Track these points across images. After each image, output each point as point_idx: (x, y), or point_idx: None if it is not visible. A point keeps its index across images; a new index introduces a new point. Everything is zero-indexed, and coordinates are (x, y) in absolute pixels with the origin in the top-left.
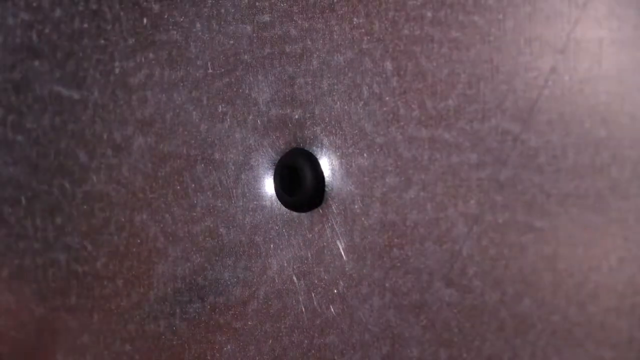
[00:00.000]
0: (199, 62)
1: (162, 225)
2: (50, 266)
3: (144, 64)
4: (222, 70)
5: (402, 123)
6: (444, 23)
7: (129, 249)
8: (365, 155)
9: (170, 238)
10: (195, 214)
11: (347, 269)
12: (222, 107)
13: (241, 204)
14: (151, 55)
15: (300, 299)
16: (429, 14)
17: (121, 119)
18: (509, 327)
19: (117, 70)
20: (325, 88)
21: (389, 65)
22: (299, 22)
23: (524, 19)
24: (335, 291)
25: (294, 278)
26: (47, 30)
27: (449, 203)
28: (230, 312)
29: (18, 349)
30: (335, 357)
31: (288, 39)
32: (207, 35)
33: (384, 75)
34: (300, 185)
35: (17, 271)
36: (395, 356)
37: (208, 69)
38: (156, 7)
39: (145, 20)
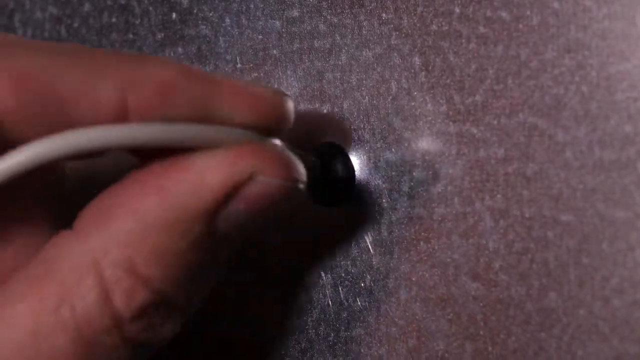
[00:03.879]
0: (228, 57)
1: None
2: None
3: (173, 59)
4: (251, 64)
5: (430, 118)
6: (471, 19)
7: None
8: (393, 149)
9: None
10: None
11: (374, 262)
12: None
13: None
14: (180, 50)
15: (327, 292)
16: (457, 10)
17: None
18: (535, 321)
19: None
20: (354, 83)
21: (417, 60)
22: (328, 17)
23: (551, 15)
24: (362, 284)
25: (321, 272)
26: (75, 25)
27: (475, 197)
28: (256, 305)
29: None
30: (362, 350)
31: (317, 34)
32: (236, 30)
33: (412, 71)
34: (331, 179)
35: None
36: (421, 349)
37: (237, 64)
38: (185, 2)
39: (174, 15)
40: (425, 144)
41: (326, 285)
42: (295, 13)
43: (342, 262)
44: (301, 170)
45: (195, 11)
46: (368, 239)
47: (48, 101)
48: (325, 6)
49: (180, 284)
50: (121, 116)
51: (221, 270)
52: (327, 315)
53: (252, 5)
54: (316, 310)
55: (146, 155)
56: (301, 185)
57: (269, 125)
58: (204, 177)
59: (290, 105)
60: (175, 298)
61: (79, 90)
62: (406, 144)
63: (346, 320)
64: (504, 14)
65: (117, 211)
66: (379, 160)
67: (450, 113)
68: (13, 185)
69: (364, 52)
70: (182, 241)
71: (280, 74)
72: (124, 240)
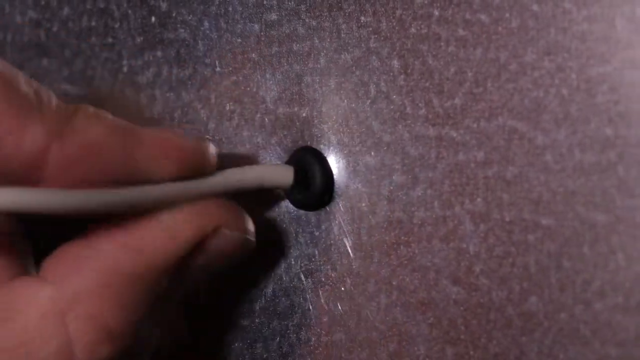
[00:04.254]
0: (207, 61)
1: None
2: None
3: (152, 62)
4: (230, 68)
5: (409, 121)
6: (450, 21)
7: None
8: (372, 153)
9: None
10: None
11: (354, 266)
12: (230, 105)
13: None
14: (159, 54)
15: (308, 296)
16: (436, 13)
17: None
18: (516, 325)
19: (125, 69)
20: (333, 86)
21: (396, 63)
22: (307, 20)
23: (531, 18)
24: (343, 289)
25: (302, 276)
26: (55, 29)
27: (455, 201)
28: (237, 309)
29: None
30: (342, 355)
31: (295, 38)
32: (215, 34)
33: (391, 74)
34: (309, 183)
35: None
36: (402, 353)
37: (216, 67)
38: (164, 5)
39: (153, 19)
40: (405, 147)
41: (307, 290)
42: (274, 16)
43: (322, 267)
44: (252, 225)
45: (174, 15)
46: (348, 243)
47: None
48: (304, 9)
49: (144, 332)
50: (39, 163)
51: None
52: (308, 320)
53: (230, 9)
54: (297, 315)
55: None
56: (253, 239)
57: (191, 173)
58: (174, 231)
59: (212, 151)
60: (138, 346)
61: (9, 130)
62: (385, 148)
63: (327, 325)
64: (483, 17)
65: (87, 263)
66: (358, 164)
67: (430, 116)
68: None
69: (342, 55)
70: (151, 293)
71: (259, 77)
72: (93, 293)
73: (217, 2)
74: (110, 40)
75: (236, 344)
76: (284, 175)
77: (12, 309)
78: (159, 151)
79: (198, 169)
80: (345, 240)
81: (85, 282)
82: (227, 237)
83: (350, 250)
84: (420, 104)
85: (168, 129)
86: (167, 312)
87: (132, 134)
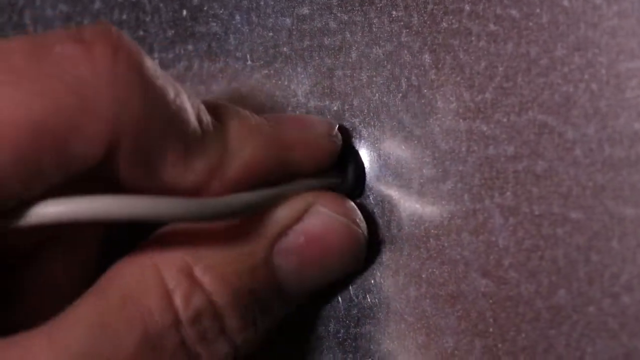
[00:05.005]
0: (238, 54)
1: None
2: None
3: (183, 56)
4: (261, 62)
5: (439, 115)
6: (481, 16)
7: None
8: (403, 147)
9: None
10: None
11: (384, 259)
12: (261, 98)
13: None
14: (190, 47)
15: (337, 289)
16: (467, 8)
17: None
18: (544, 318)
19: (156, 62)
20: (364, 80)
21: (427, 58)
22: (338, 14)
23: (561, 13)
24: (372, 281)
25: None
26: (86, 22)
27: (485, 194)
28: None
29: None
30: (371, 347)
31: (327, 32)
32: (246, 28)
33: (422, 68)
34: (342, 176)
35: None
36: (431, 346)
37: (247, 61)
38: None
39: (184, 12)
40: (436, 141)
41: (336, 282)
42: (306, 10)
43: None
44: (360, 215)
45: (205, 8)
46: (378, 236)
47: (151, 162)
48: (336, 4)
49: (233, 305)
50: (200, 193)
51: (277, 316)
52: (337, 312)
53: (262, 3)
54: (326, 307)
55: None
56: (362, 231)
57: (325, 166)
58: (269, 213)
59: (340, 142)
60: (229, 317)
61: (177, 162)
62: (416, 141)
63: (356, 317)
64: (513, 12)
65: (177, 234)
66: (389, 158)
67: (460, 110)
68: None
69: (374, 50)
70: (238, 263)
71: (291, 71)
72: (183, 250)
73: None
74: (141, 33)
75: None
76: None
77: (111, 277)
78: (305, 154)
79: (330, 164)
80: (375, 232)
81: (175, 244)
82: (324, 216)
83: (380, 243)
84: (451, 98)
85: (302, 118)
86: (266, 315)
87: (282, 140)
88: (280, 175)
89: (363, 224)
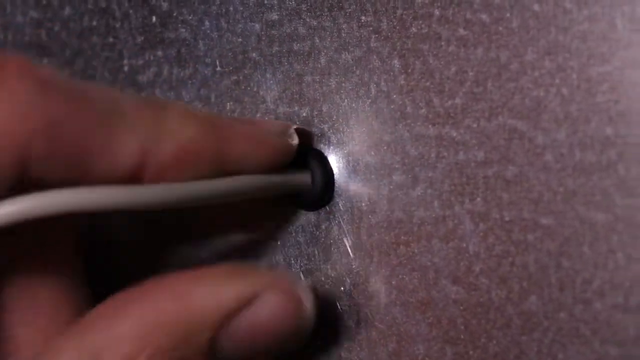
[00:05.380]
0: (207, 60)
1: None
2: None
3: (152, 62)
4: (231, 68)
5: (409, 121)
6: (451, 21)
7: None
8: (372, 152)
9: None
10: None
11: (353, 266)
12: (230, 104)
13: None
14: (160, 53)
15: None
16: (437, 12)
17: None
18: (515, 325)
19: (125, 68)
20: (333, 86)
21: (396, 63)
22: (307, 20)
23: (531, 17)
24: (342, 288)
25: (301, 275)
26: (56, 28)
27: (455, 200)
28: None
29: None
30: (342, 354)
31: (296, 37)
32: (215, 34)
33: (391, 73)
34: (310, 183)
35: None
36: (402, 353)
37: (216, 67)
38: (165, 5)
39: (154, 18)
40: (405, 147)
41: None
42: (275, 16)
43: (321, 266)
44: (312, 300)
45: (175, 14)
46: (347, 243)
47: (73, 153)
48: (305, 9)
49: None
50: (138, 173)
51: None
52: None
53: (231, 8)
54: None
55: None
56: (310, 317)
57: (275, 166)
58: (220, 288)
59: (295, 141)
60: None
61: (103, 147)
62: (385, 147)
63: (326, 325)
64: (483, 17)
65: (127, 309)
66: (358, 164)
67: (430, 116)
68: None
69: (343, 55)
70: (184, 346)
71: (260, 77)
72: (128, 337)
73: (218, 2)
74: (111, 40)
75: None
76: (304, 180)
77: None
78: (248, 147)
79: (282, 163)
80: (345, 239)
81: (122, 327)
82: (273, 306)
83: (349, 250)
84: (420, 104)
85: (254, 120)
86: None
87: (223, 130)
88: (219, 169)
89: (312, 310)
